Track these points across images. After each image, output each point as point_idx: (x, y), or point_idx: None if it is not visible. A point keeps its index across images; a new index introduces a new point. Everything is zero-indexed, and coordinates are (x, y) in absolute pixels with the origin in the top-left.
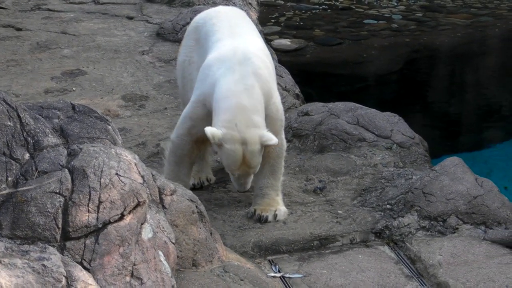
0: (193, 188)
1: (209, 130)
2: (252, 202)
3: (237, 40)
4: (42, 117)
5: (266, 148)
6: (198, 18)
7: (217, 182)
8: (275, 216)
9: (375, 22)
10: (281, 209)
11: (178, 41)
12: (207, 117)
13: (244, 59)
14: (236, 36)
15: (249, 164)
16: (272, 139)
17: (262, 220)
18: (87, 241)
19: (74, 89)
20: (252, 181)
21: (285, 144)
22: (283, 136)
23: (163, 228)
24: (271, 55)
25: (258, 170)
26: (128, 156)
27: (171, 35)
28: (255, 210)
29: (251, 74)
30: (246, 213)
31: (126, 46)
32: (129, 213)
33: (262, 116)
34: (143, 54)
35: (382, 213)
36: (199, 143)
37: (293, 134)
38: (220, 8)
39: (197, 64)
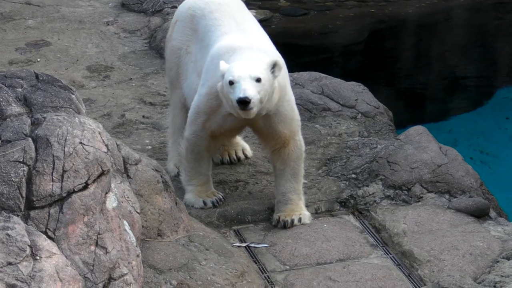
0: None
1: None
2: (274, 208)
3: (249, 35)
4: (5, 86)
5: (285, 150)
6: (195, 5)
7: None
8: (299, 220)
9: None
10: (306, 214)
11: (143, 11)
12: (221, 108)
13: (260, 52)
14: (246, 31)
15: None
16: None
17: (288, 225)
18: (51, 210)
19: (38, 60)
20: (274, 185)
21: (303, 145)
22: (300, 137)
23: (128, 197)
24: None
25: (279, 174)
26: (92, 125)
27: (136, 6)
28: (279, 217)
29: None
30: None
31: (90, 16)
32: (93, 182)
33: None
34: (108, 24)
35: (347, 183)
36: (214, 139)
37: None
38: None
39: (194, 57)
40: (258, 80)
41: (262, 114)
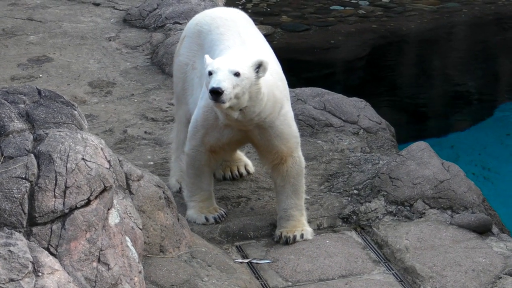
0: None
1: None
2: (276, 224)
3: (249, 48)
4: (8, 102)
5: (283, 167)
6: (202, 21)
7: None
8: (301, 235)
9: (342, 8)
10: (308, 230)
11: (145, 27)
12: (217, 121)
13: None
14: (249, 46)
15: None
16: None
17: (290, 241)
18: (54, 227)
19: (40, 75)
20: (275, 201)
21: (303, 162)
22: (300, 154)
23: (130, 213)
24: None
25: (280, 190)
26: (95, 141)
27: (138, 21)
28: (281, 233)
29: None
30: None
31: (92, 32)
32: (96, 198)
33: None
34: (110, 40)
35: (349, 198)
36: (214, 154)
37: None
38: (227, 14)
39: (199, 72)
40: (237, 74)
41: (253, 121)
